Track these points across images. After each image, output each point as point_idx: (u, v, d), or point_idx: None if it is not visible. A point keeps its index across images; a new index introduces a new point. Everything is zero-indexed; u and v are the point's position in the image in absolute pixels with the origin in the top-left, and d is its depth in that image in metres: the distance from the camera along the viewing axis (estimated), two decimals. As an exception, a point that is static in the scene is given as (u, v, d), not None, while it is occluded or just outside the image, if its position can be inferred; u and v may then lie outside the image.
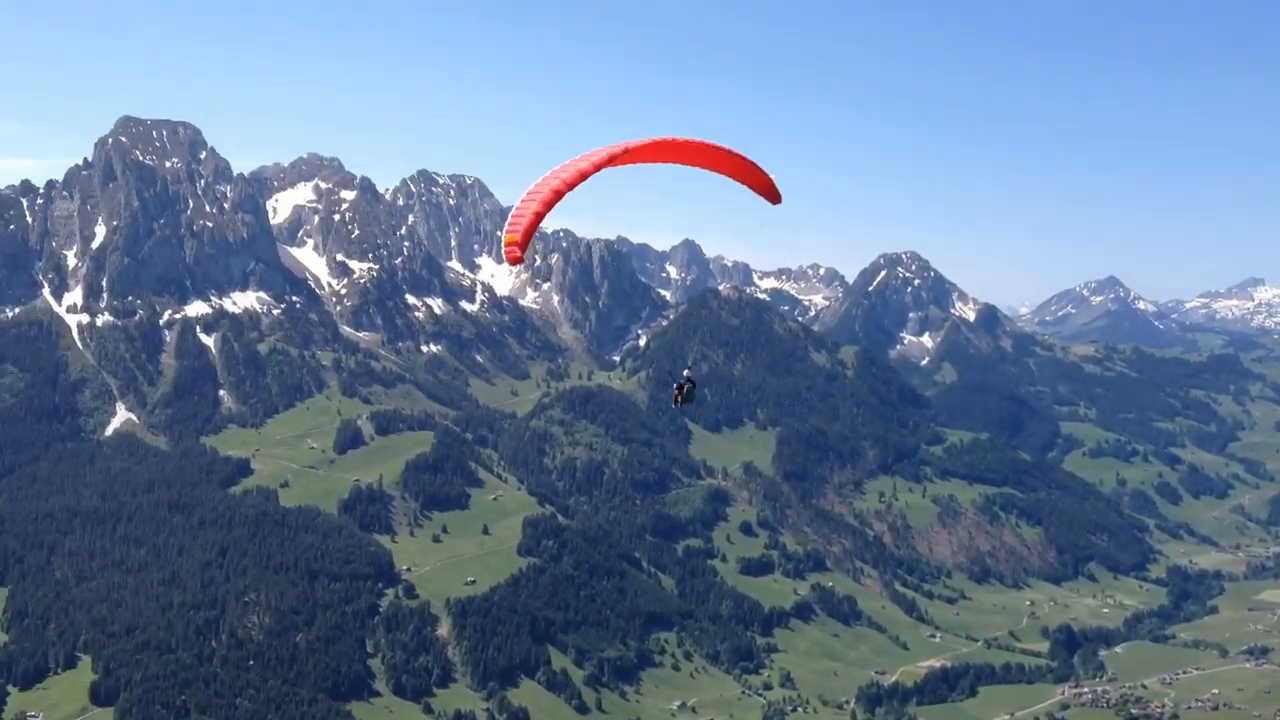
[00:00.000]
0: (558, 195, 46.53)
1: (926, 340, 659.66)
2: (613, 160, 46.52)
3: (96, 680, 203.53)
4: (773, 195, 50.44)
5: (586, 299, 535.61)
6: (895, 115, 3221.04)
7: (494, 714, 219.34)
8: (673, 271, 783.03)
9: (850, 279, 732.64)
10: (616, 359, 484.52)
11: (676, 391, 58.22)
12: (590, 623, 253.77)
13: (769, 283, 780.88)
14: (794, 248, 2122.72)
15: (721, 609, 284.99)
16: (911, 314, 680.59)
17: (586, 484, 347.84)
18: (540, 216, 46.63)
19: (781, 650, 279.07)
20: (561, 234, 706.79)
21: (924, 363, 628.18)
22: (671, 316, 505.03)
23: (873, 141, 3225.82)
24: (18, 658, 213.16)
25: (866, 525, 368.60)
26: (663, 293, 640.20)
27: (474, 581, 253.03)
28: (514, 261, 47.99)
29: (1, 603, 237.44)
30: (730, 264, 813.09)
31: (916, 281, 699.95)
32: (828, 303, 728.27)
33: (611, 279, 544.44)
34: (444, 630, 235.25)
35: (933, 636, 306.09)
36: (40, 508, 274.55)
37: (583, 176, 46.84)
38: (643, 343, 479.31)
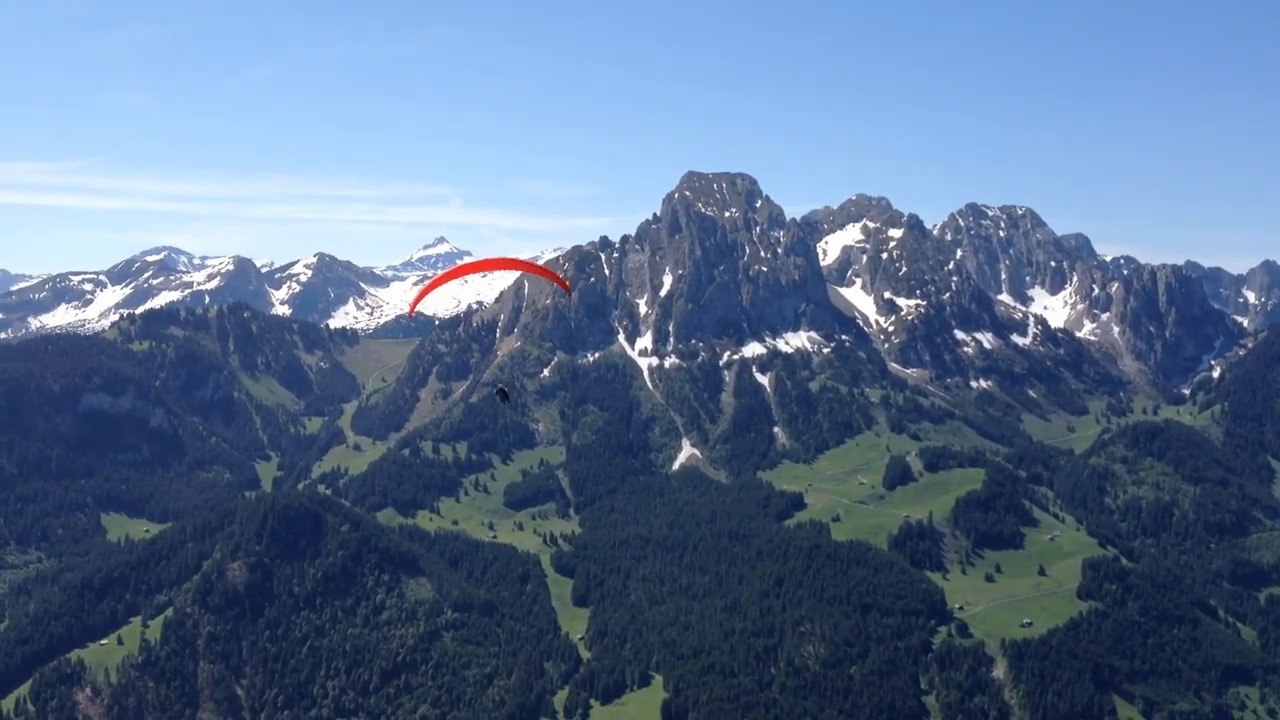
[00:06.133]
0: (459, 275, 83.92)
1: None
2: (485, 268, 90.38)
3: (668, 699, 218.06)
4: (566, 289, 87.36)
5: (1151, 329, 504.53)
6: None
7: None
8: (1250, 296, 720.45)
9: None
10: (1186, 392, 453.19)
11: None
12: (1160, 673, 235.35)
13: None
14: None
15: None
16: None
17: (1153, 525, 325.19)
18: (436, 286, 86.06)
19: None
20: (1123, 260, 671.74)
21: None
22: (1250, 345, 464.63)
23: None
24: (599, 674, 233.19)
25: None
26: (1239, 319, 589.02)
27: (1030, 623, 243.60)
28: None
29: (585, 622, 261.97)
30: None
31: None
32: None
33: (1179, 306, 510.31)
34: (999, 672, 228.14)
35: None
36: (617, 535, 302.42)
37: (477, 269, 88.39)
38: (1216, 374, 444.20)
